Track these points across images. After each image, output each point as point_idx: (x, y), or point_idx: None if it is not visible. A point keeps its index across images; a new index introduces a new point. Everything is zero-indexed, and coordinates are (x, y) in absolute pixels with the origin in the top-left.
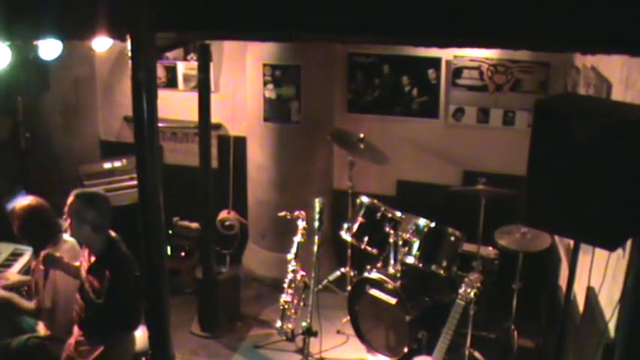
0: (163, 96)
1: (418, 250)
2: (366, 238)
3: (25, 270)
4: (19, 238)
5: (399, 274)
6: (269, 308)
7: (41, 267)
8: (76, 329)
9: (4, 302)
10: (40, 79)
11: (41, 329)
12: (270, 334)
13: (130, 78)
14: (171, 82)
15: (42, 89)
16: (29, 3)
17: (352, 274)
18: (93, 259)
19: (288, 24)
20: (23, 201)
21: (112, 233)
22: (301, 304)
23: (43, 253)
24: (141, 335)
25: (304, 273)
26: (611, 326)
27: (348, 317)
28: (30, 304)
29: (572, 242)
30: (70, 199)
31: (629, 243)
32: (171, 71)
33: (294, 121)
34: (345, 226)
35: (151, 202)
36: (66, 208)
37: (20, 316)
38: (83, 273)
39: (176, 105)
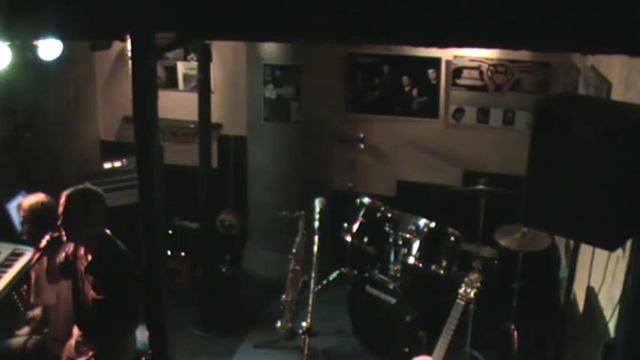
0: (163, 96)
1: (418, 250)
2: (366, 238)
3: (25, 271)
4: (24, 232)
5: (399, 274)
6: (269, 308)
7: (41, 245)
8: (75, 330)
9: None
10: (40, 79)
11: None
12: (270, 334)
13: (130, 78)
14: (171, 82)
15: (42, 89)
16: (29, 3)
17: (352, 274)
18: (90, 257)
19: (288, 24)
20: (33, 196)
21: (107, 231)
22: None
23: (48, 236)
24: (141, 335)
25: (304, 273)
26: (611, 326)
27: (349, 317)
28: (30, 316)
29: (572, 242)
30: (64, 199)
31: (629, 243)
32: (171, 71)
33: (294, 121)
34: (345, 226)
35: (151, 202)
36: (61, 210)
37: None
38: (80, 271)
39: (176, 105)
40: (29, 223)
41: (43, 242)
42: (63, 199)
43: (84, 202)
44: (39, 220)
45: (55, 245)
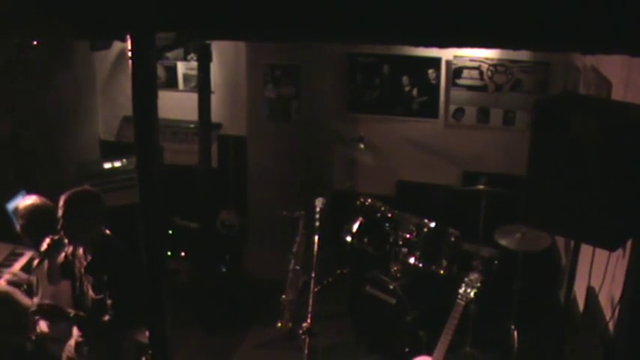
0: (163, 96)
1: (418, 250)
2: (366, 238)
3: (25, 270)
4: (22, 237)
5: (399, 274)
6: (269, 308)
7: (42, 248)
8: (75, 330)
9: (4, 297)
10: (40, 79)
11: (43, 327)
12: (270, 334)
13: (130, 78)
14: (171, 82)
15: (42, 89)
16: (29, 3)
17: (352, 274)
18: (89, 257)
19: (288, 24)
20: (27, 200)
21: (107, 231)
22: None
23: (48, 240)
24: (141, 335)
25: (304, 273)
26: (611, 326)
27: (348, 317)
28: (29, 302)
29: (572, 242)
30: (63, 203)
31: (629, 243)
32: (172, 71)
33: (294, 121)
34: (345, 226)
35: (151, 202)
36: (61, 214)
37: (19, 315)
38: (79, 271)
39: (176, 105)
40: (26, 227)
41: (44, 246)
42: (62, 203)
43: (83, 205)
44: (35, 223)
45: (56, 248)
